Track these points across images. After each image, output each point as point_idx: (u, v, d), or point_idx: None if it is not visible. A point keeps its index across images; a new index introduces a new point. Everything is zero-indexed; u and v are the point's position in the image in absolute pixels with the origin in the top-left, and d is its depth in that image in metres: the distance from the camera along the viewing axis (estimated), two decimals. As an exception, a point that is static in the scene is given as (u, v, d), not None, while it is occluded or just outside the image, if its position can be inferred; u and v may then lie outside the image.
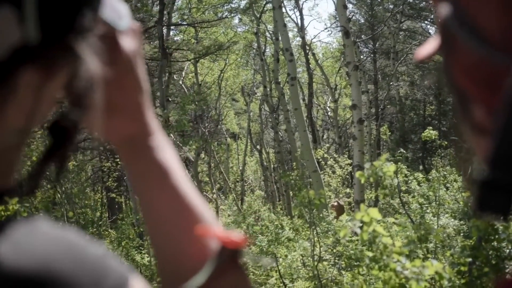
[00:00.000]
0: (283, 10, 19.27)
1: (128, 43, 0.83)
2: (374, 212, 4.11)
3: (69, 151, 0.63)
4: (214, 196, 23.67)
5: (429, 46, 0.62)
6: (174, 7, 21.12)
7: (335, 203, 13.43)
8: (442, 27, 0.56)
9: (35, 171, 0.62)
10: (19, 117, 0.59)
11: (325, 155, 20.00)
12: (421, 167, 24.48)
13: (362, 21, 30.72)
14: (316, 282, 7.34)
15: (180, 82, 26.04)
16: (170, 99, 20.48)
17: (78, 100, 0.61)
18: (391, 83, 24.47)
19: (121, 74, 0.83)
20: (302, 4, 26.23)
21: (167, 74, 20.46)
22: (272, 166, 28.29)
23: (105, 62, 0.66)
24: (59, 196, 15.91)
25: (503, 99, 0.48)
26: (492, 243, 5.04)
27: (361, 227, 4.22)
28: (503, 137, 0.49)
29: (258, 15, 23.38)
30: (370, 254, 4.20)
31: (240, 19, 27.99)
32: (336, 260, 8.40)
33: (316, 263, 7.39)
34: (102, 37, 0.66)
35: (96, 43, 0.63)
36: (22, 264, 0.50)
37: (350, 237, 6.96)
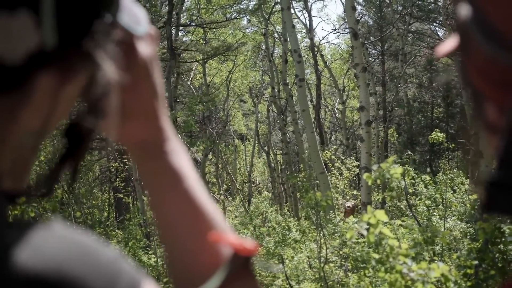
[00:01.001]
0: (292, 11, 19.26)
1: (145, 48, 0.83)
2: (381, 214, 4.10)
3: (84, 155, 0.64)
4: (221, 197, 23.68)
5: (448, 45, 0.63)
6: (183, 7, 21.16)
7: (349, 206, 13.41)
8: (460, 27, 0.57)
9: (51, 173, 0.63)
10: (35, 120, 0.60)
11: (333, 157, 19.97)
12: (428, 169, 24.42)
13: (371, 22, 30.65)
14: (322, 284, 7.33)
15: (189, 83, 26.08)
16: (178, 100, 20.50)
17: (94, 105, 0.62)
18: (399, 85, 24.41)
19: (137, 79, 0.83)
20: (311, 5, 26.21)
21: (175, 74, 20.50)
22: (279, 167, 28.27)
23: (122, 67, 0.67)
24: (66, 196, 15.96)
25: None
26: (499, 246, 5.03)
27: (367, 229, 4.21)
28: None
29: (267, 16, 23.35)
30: (376, 256, 4.20)
31: (249, 20, 27.98)
32: (343, 262, 8.39)
33: (322, 265, 7.38)
34: (119, 42, 0.67)
35: (113, 48, 0.64)
36: (39, 268, 0.51)
37: (356, 239, 6.96)
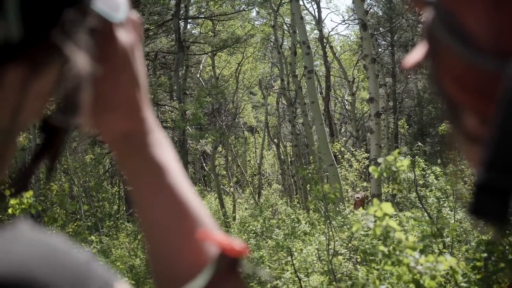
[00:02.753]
0: (301, 2, 19.20)
1: (124, 36, 0.80)
2: (387, 207, 4.07)
3: (60, 150, 0.62)
4: (231, 189, 23.73)
5: (416, 54, 0.61)
6: (192, 0, 21.15)
7: (359, 197, 13.41)
8: (428, 32, 0.55)
9: (26, 169, 0.61)
10: (2, 115, 0.57)
11: (342, 149, 19.95)
12: (439, 160, 24.37)
13: (380, 13, 30.61)
14: (331, 277, 7.32)
15: (198, 76, 26.11)
16: (187, 92, 20.53)
17: (66, 99, 0.60)
18: (409, 76, 24.31)
19: (116, 69, 0.80)
20: (320, -4, 26.08)
21: (184, 67, 20.52)
22: (289, 159, 28.30)
23: (97, 57, 0.64)
24: (76, 189, 16.04)
25: (497, 103, 0.46)
26: (509, 238, 5.00)
27: (374, 222, 4.19)
28: (499, 139, 0.47)
29: (276, 8, 23.31)
30: (383, 249, 4.17)
31: (258, 12, 28.02)
32: (352, 255, 8.38)
33: (330, 258, 7.36)
34: (93, 31, 0.63)
35: (85, 39, 0.60)
36: (2, 271, 0.49)
37: (365, 231, 6.93)
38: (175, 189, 0.85)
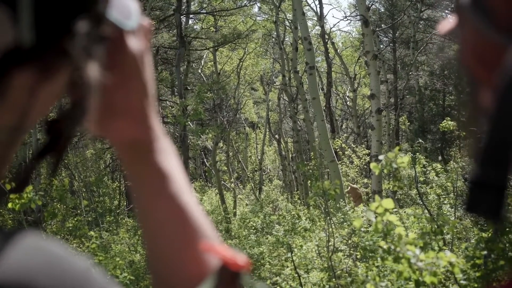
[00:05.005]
0: (302, -2, 19.19)
1: (135, 43, 0.80)
2: (388, 203, 4.07)
3: (63, 152, 0.63)
4: (232, 185, 23.75)
5: (448, 23, 0.62)
6: (193, -5, 21.17)
7: (349, 188, 13.46)
8: (458, 8, 0.57)
9: (25, 169, 0.61)
10: (9, 117, 0.58)
11: (343, 145, 19.96)
12: (440, 157, 24.39)
13: (382, 10, 30.62)
14: (330, 273, 7.32)
15: (199, 71, 26.13)
16: (189, 88, 20.54)
17: (75, 104, 0.61)
18: (410, 72, 24.31)
19: (126, 76, 0.80)
20: (322, -8, 26.09)
21: (185, 62, 20.54)
22: (290, 155, 28.35)
23: (107, 64, 0.66)
24: (77, 184, 16.07)
25: (498, 81, 0.47)
26: (509, 236, 4.99)
27: (376, 218, 4.19)
28: (493, 134, 0.47)
29: (278, 4, 23.32)
30: (383, 245, 4.17)
31: (259, 8, 28.01)
32: (351, 251, 8.38)
33: (330, 254, 7.37)
34: (105, 38, 0.65)
35: (95, 46, 0.62)
36: (3, 278, 0.49)
37: (366, 227, 6.93)
38: (178, 198, 0.85)
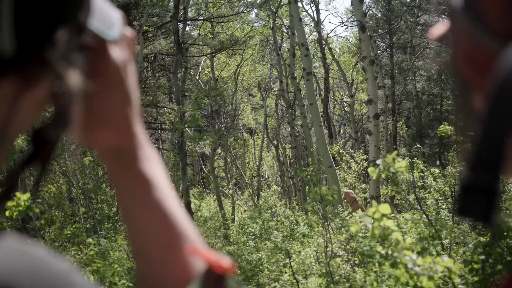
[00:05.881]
0: (299, 4, 19.23)
1: (117, 53, 0.81)
2: (385, 208, 4.07)
3: (48, 161, 0.63)
4: (230, 191, 23.76)
5: (440, 28, 0.63)
6: (191, 1, 21.21)
7: (343, 193, 13.44)
8: (451, 12, 0.58)
9: (9, 177, 0.61)
10: None
11: (341, 151, 19.96)
12: (437, 162, 24.39)
13: (379, 15, 30.67)
14: (329, 279, 7.32)
15: (197, 77, 26.14)
16: (186, 94, 20.52)
17: (57, 113, 0.61)
18: (407, 77, 24.33)
19: (108, 86, 0.81)
20: (319, -2, 26.14)
21: (183, 69, 20.53)
22: (288, 161, 28.34)
23: (89, 74, 0.66)
24: (75, 191, 16.03)
25: (489, 85, 0.48)
26: (506, 240, 4.99)
27: (373, 223, 4.19)
28: (483, 138, 0.48)
29: (275, 10, 23.35)
30: (381, 250, 4.17)
31: (257, 14, 28.03)
32: (350, 257, 8.38)
33: (328, 260, 7.36)
34: (87, 48, 0.65)
35: (77, 56, 0.62)
36: None
37: (363, 233, 6.93)
38: (162, 204, 0.86)
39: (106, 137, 0.85)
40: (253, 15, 29.29)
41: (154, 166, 0.88)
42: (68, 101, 0.60)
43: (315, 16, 25.94)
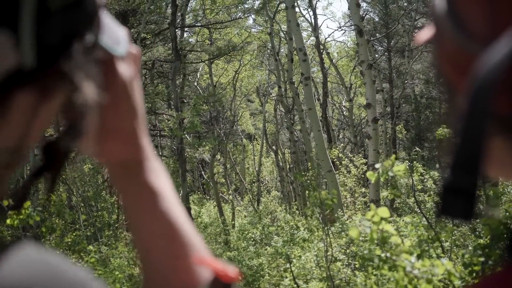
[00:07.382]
0: (297, 9, 19.25)
1: (125, 68, 0.84)
2: (383, 212, 4.08)
3: (60, 171, 0.64)
4: (230, 197, 23.71)
5: (426, 33, 0.64)
6: (188, 8, 21.18)
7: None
8: (434, 17, 0.59)
9: (22, 187, 0.63)
10: (10, 138, 0.59)
11: (340, 155, 19.95)
12: (437, 165, 24.35)
13: (377, 19, 30.66)
14: (329, 283, 7.31)
15: (195, 84, 26.12)
16: (185, 101, 20.51)
17: (72, 124, 0.62)
18: (406, 81, 24.32)
19: (116, 99, 0.83)
20: (316, 3, 26.13)
21: (181, 75, 20.52)
22: (288, 166, 28.28)
23: (101, 87, 0.67)
24: (75, 199, 16.01)
25: (467, 88, 0.49)
26: (506, 242, 4.98)
27: (372, 227, 4.19)
28: (463, 139, 0.49)
29: (272, 15, 23.36)
30: (380, 253, 4.17)
31: (254, 20, 28.06)
32: (350, 261, 8.37)
33: (329, 264, 7.36)
34: (98, 62, 0.67)
35: (92, 69, 0.64)
36: None
37: (363, 236, 6.92)
38: (168, 214, 0.87)
39: (114, 150, 0.87)
40: (250, 21, 29.42)
41: (160, 177, 0.90)
42: (84, 112, 0.62)
43: (313, 21, 25.95)
